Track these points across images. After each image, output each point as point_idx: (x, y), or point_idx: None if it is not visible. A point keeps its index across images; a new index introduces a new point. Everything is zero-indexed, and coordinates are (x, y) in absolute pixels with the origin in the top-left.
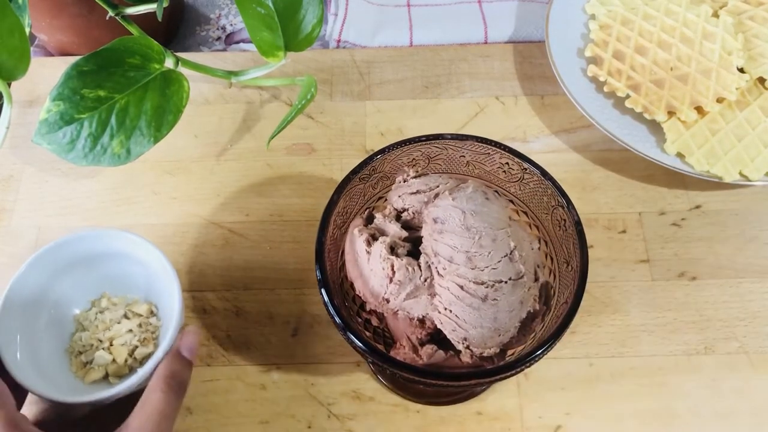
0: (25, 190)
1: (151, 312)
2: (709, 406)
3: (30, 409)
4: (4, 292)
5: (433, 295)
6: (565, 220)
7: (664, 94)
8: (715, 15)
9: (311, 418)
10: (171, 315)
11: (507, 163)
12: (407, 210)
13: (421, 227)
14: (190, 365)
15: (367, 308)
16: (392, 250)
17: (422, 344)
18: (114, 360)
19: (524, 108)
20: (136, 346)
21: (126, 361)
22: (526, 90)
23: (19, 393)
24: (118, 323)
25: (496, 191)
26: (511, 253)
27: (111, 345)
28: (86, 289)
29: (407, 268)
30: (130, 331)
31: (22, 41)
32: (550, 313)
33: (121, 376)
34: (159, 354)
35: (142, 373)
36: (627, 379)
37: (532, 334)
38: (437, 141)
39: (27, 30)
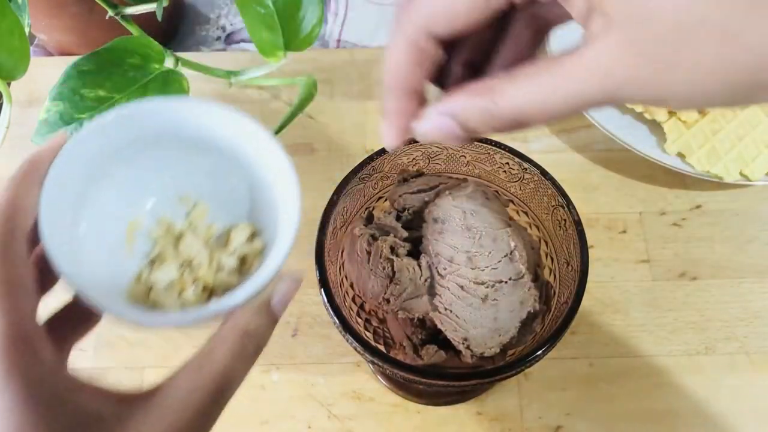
0: None
1: (253, 235)
2: (709, 406)
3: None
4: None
5: (433, 295)
6: (565, 220)
7: None
8: None
9: (311, 418)
10: (276, 247)
11: (507, 163)
12: (407, 210)
13: (421, 227)
14: (274, 324)
15: (367, 308)
16: (392, 250)
17: (422, 344)
18: (186, 282)
19: None
20: (221, 270)
21: (204, 288)
22: None
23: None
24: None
25: (496, 191)
26: (511, 253)
27: (190, 264)
28: (170, 180)
29: (407, 268)
30: (217, 252)
31: (21, 41)
32: (550, 313)
33: (188, 304)
34: (245, 293)
35: (213, 309)
36: (627, 379)
37: (532, 334)
38: None
39: (27, 30)
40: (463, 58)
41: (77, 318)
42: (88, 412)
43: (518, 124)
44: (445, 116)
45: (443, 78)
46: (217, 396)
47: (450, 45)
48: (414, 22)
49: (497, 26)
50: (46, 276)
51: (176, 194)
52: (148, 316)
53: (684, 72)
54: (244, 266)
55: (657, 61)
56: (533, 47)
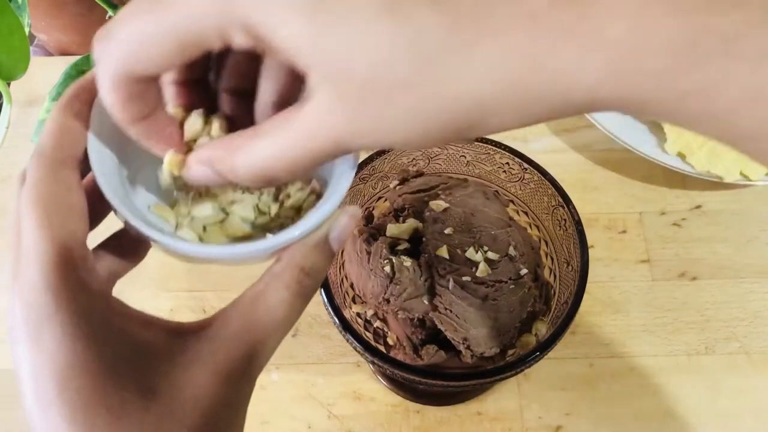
0: None
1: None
2: (709, 406)
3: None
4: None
5: (433, 295)
6: (565, 220)
7: None
8: None
9: (311, 418)
10: (331, 189)
11: (507, 163)
12: (407, 210)
13: (422, 227)
14: (331, 261)
15: (367, 308)
16: (392, 250)
17: (422, 344)
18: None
19: None
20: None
21: (256, 216)
22: None
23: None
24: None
25: (496, 191)
26: (511, 253)
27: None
28: None
29: (407, 268)
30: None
31: (21, 41)
32: (550, 313)
33: (240, 237)
34: (301, 228)
35: (268, 244)
36: (627, 379)
37: (533, 334)
38: None
39: (27, 30)
40: (226, 86)
41: (124, 249)
42: (140, 344)
43: (266, 179)
44: (203, 165)
45: (218, 102)
46: (274, 337)
47: (205, 68)
48: (111, 62)
49: (250, 57)
50: (94, 208)
51: None
52: (199, 247)
53: (389, 122)
54: (299, 214)
55: (364, 114)
56: (297, 86)
